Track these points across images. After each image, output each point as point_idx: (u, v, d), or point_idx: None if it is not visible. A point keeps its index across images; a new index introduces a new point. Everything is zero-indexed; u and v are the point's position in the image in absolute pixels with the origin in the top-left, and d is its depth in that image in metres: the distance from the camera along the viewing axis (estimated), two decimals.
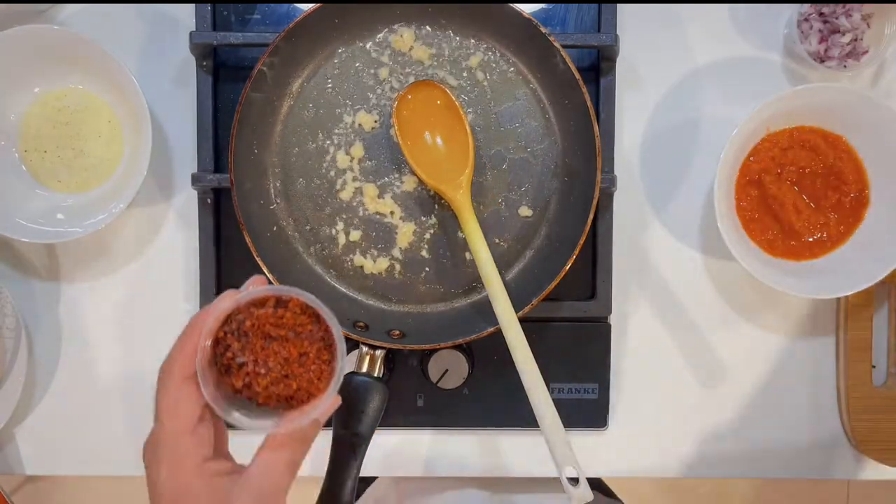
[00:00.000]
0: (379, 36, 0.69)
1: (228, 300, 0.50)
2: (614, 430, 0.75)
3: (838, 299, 0.74)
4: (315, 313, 0.51)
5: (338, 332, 0.50)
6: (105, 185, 0.72)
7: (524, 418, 0.74)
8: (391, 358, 0.72)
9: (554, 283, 0.65)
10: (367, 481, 0.91)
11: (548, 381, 0.73)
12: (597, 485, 1.11)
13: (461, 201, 0.66)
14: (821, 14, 0.71)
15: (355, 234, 0.69)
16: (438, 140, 0.68)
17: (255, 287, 0.51)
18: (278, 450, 0.50)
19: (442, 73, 0.69)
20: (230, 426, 0.50)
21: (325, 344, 0.51)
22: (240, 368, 0.50)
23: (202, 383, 0.48)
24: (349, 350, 0.71)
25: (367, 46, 0.69)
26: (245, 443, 0.54)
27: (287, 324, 0.50)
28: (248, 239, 0.64)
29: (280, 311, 0.51)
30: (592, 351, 0.73)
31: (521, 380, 0.62)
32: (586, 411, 0.73)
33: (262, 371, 0.50)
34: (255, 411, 0.50)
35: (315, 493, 0.62)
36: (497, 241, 0.69)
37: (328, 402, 0.50)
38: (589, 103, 0.64)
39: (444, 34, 0.69)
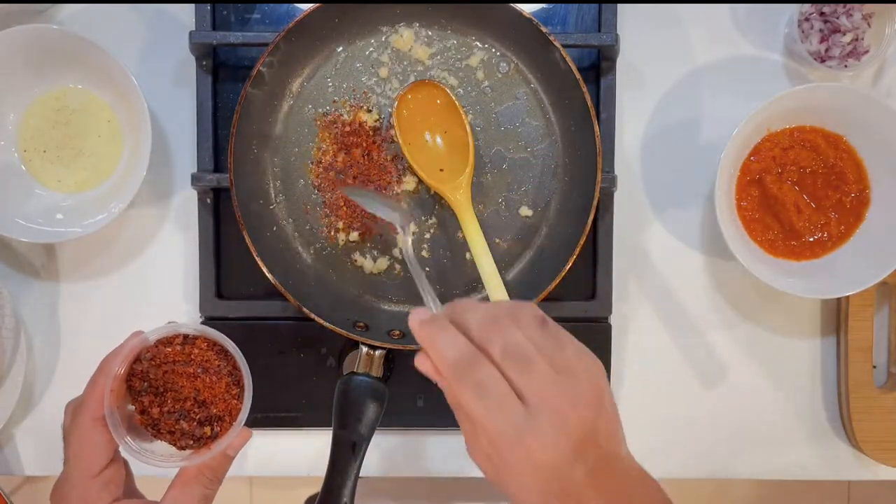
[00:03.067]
0: (379, 36, 0.69)
1: (135, 339, 0.52)
2: None
3: (839, 299, 0.74)
4: (223, 349, 0.52)
5: (245, 368, 0.52)
6: (105, 185, 0.72)
7: None
8: (391, 358, 0.71)
9: (554, 284, 0.65)
10: (367, 481, 0.91)
11: None
12: None
13: (461, 202, 0.66)
14: (821, 13, 0.71)
15: (355, 235, 0.69)
16: (438, 140, 0.68)
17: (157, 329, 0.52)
18: (189, 484, 0.52)
19: (442, 73, 0.69)
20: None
21: (234, 379, 0.52)
22: (145, 405, 0.51)
23: (110, 424, 0.49)
24: (349, 350, 0.71)
25: (367, 46, 0.69)
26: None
27: (195, 360, 0.52)
28: (247, 239, 0.64)
29: (188, 347, 0.52)
30: (592, 351, 0.73)
31: None
32: None
33: (167, 409, 0.51)
34: (173, 452, 0.52)
35: (315, 493, 0.62)
36: (497, 241, 0.69)
37: (235, 435, 0.52)
38: (589, 103, 0.64)
39: (445, 34, 0.69)
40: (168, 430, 0.52)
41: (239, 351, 0.52)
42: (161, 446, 0.53)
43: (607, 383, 0.46)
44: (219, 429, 0.52)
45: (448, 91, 0.67)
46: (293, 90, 0.69)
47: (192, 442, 0.52)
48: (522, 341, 0.43)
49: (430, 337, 0.44)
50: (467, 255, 0.69)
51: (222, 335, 0.52)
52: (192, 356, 0.53)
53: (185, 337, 0.53)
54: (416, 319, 0.46)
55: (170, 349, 0.52)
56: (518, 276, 0.69)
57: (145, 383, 0.52)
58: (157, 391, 0.52)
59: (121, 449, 0.51)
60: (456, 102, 0.67)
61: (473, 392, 0.42)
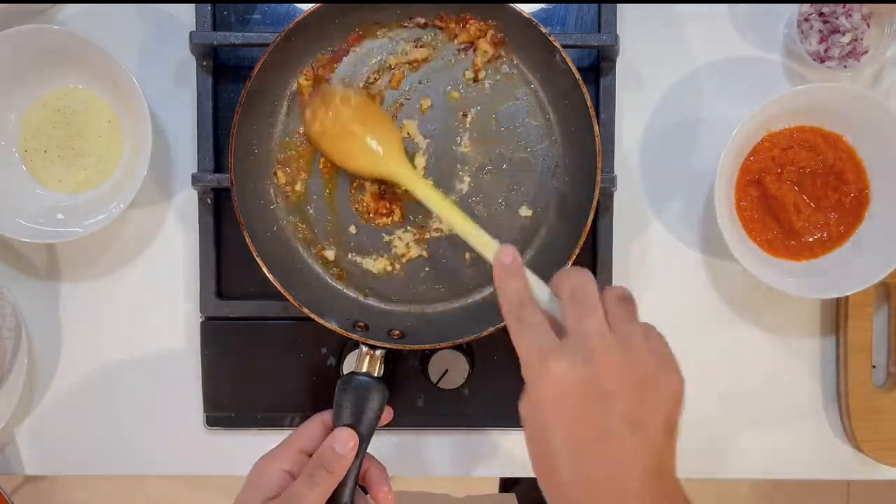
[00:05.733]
0: (380, 36, 0.69)
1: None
2: None
3: (838, 299, 0.74)
4: None
5: None
6: (105, 185, 0.72)
7: None
8: (391, 358, 0.72)
9: None
10: None
11: None
12: None
13: (404, 173, 0.63)
14: (821, 14, 0.71)
15: (355, 234, 0.69)
16: (360, 135, 0.66)
17: None
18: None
19: (442, 73, 0.69)
20: None
21: None
22: None
23: None
24: (350, 349, 0.71)
25: (368, 46, 0.69)
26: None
27: None
28: (247, 239, 0.64)
29: None
30: None
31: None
32: None
33: None
34: None
35: None
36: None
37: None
38: (589, 103, 0.64)
39: (445, 34, 0.69)
40: None
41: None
42: None
43: (677, 404, 0.47)
44: None
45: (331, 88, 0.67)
46: (293, 90, 0.69)
47: None
48: (592, 292, 0.47)
49: (501, 278, 0.50)
50: (467, 255, 0.69)
51: None
52: None
53: None
54: (500, 260, 0.50)
55: None
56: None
57: None
58: None
59: None
60: (352, 93, 0.66)
61: (516, 324, 0.48)
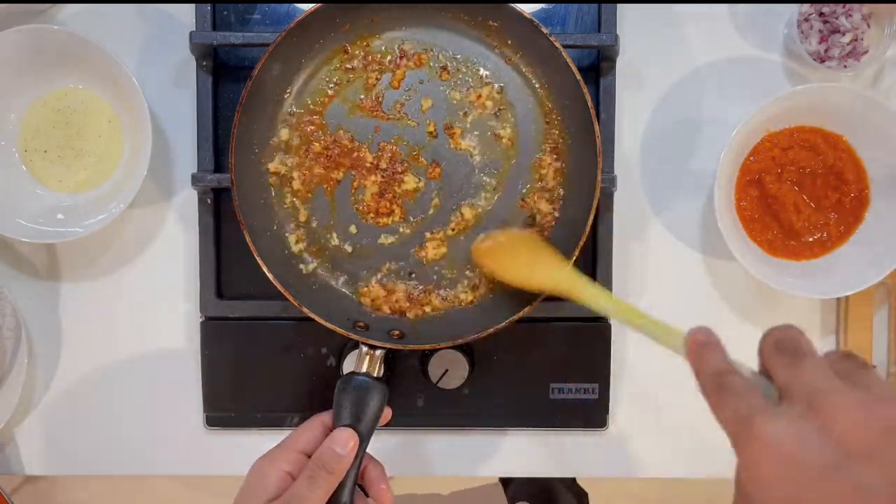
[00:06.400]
0: (381, 36, 0.69)
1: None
2: (614, 430, 0.75)
3: (838, 299, 0.74)
4: None
5: None
6: (105, 185, 0.72)
7: (524, 418, 0.74)
8: (391, 358, 0.72)
9: None
10: None
11: (548, 382, 0.73)
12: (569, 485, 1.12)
13: (571, 281, 0.58)
14: (821, 14, 0.71)
15: (355, 234, 0.69)
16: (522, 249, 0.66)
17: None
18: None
19: (442, 73, 0.69)
20: None
21: None
22: None
23: None
24: (350, 349, 0.71)
25: (369, 47, 0.69)
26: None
27: None
28: (248, 238, 0.64)
29: None
30: (592, 351, 0.73)
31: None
32: (586, 411, 0.73)
33: None
34: None
35: None
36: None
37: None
38: (590, 104, 0.64)
39: (444, 34, 0.69)
40: None
41: None
42: None
43: None
44: None
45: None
46: (294, 90, 0.69)
47: None
48: (803, 341, 0.38)
49: (697, 353, 0.43)
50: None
51: None
52: None
53: None
54: (696, 339, 0.44)
55: None
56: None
57: None
58: None
59: None
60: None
61: (716, 392, 0.40)
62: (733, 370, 0.40)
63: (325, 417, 0.61)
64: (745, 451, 0.35)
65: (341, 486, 0.58)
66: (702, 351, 0.43)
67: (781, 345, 0.38)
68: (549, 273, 0.61)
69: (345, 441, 0.57)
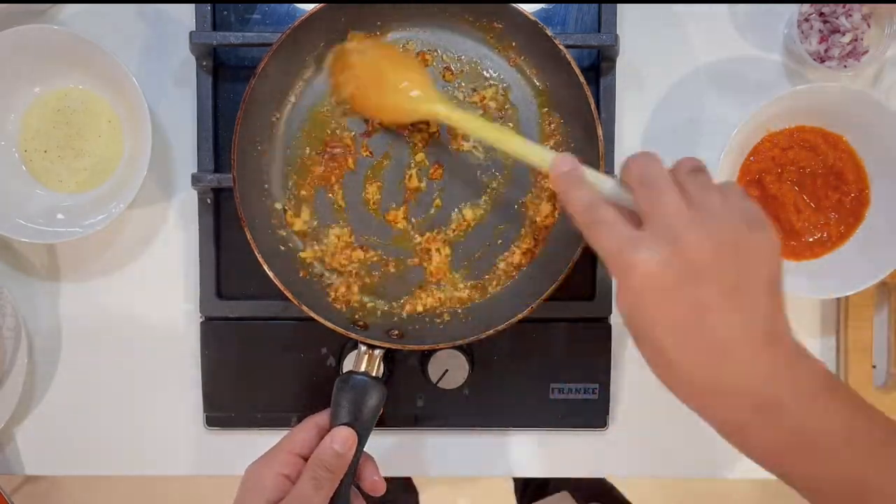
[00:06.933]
0: (385, 36, 0.69)
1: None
2: (614, 430, 0.75)
3: (838, 299, 0.74)
4: None
5: None
6: (105, 185, 0.72)
7: (524, 418, 0.74)
8: (391, 358, 0.72)
9: (556, 284, 0.64)
10: None
11: (548, 382, 0.73)
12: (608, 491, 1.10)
13: (440, 110, 0.62)
14: (821, 14, 0.71)
15: (356, 233, 0.69)
16: (392, 77, 0.65)
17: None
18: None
19: (446, 74, 0.69)
20: None
21: None
22: None
23: None
24: (350, 349, 0.71)
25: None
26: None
27: None
28: (248, 236, 0.64)
29: None
30: (592, 351, 0.73)
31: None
32: (586, 411, 0.73)
33: None
34: None
35: None
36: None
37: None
38: (592, 105, 0.64)
39: (447, 34, 0.69)
40: None
41: None
42: None
43: (775, 262, 0.45)
44: None
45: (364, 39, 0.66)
46: (296, 89, 0.69)
47: None
48: (660, 173, 0.45)
49: (563, 189, 0.49)
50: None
51: None
52: None
53: None
54: (559, 170, 0.49)
55: None
56: (520, 277, 0.69)
57: None
58: None
59: None
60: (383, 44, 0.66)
61: (590, 226, 0.46)
62: (600, 200, 0.47)
63: (318, 419, 0.60)
64: (619, 273, 0.44)
65: (339, 484, 0.58)
66: (567, 187, 0.48)
67: (645, 179, 0.45)
68: (414, 102, 0.63)
69: (344, 440, 0.57)
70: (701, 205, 0.44)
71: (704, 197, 0.44)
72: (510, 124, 0.69)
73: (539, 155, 0.54)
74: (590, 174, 0.49)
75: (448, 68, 0.69)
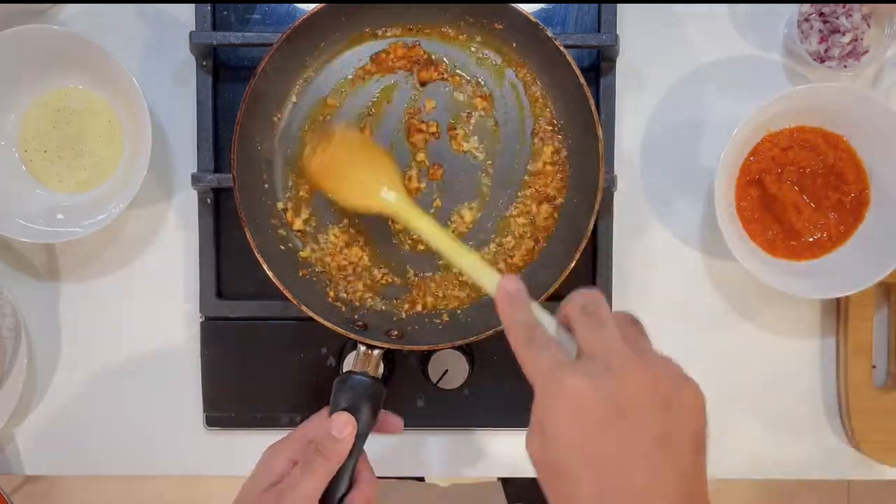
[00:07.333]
0: (383, 37, 0.69)
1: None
2: None
3: (838, 299, 0.74)
4: None
5: None
6: (105, 185, 0.72)
7: (525, 418, 0.74)
8: (390, 358, 0.72)
9: (556, 285, 0.64)
10: None
11: None
12: None
13: (402, 206, 0.61)
14: (821, 14, 0.71)
15: (356, 233, 0.69)
16: (355, 171, 0.64)
17: None
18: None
19: (444, 74, 0.69)
20: None
21: None
22: None
23: None
24: (350, 349, 0.71)
25: (371, 47, 0.69)
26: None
27: None
28: (248, 235, 0.64)
29: None
30: None
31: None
32: None
33: None
34: None
35: None
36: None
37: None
38: (592, 105, 0.64)
39: (447, 35, 0.69)
40: None
41: None
42: None
43: (702, 420, 0.41)
44: None
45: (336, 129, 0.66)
46: (297, 89, 0.69)
47: None
48: (604, 306, 0.44)
49: (506, 309, 0.47)
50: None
51: None
52: None
53: None
54: (504, 290, 0.48)
55: None
56: (520, 277, 0.69)
57: None
58: None
59: None
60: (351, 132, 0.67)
61: (525, 346, 0.45)
62: (538, 326, 0.46)
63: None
64: (546, 395, 0.42)
65: (336, 482, 0.58)
66: (511, 302, 0.47)
67: (587, 309, 0.44)
68: (380, 201, 0.62)
69: (342, 425, 0.57)
70: (640, 349, 0.42)
71: (643, 344, 0.44)
72: (510, 124, 0.69)
73: (487, 276, 0.52)
74: (535, 306, 0.48)
75: (448, 69, 0.69)
